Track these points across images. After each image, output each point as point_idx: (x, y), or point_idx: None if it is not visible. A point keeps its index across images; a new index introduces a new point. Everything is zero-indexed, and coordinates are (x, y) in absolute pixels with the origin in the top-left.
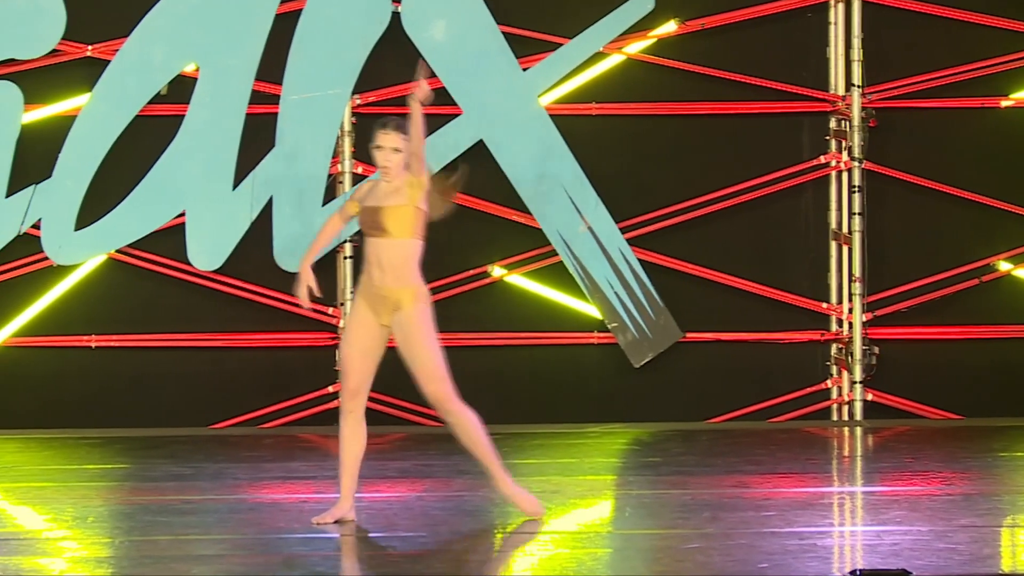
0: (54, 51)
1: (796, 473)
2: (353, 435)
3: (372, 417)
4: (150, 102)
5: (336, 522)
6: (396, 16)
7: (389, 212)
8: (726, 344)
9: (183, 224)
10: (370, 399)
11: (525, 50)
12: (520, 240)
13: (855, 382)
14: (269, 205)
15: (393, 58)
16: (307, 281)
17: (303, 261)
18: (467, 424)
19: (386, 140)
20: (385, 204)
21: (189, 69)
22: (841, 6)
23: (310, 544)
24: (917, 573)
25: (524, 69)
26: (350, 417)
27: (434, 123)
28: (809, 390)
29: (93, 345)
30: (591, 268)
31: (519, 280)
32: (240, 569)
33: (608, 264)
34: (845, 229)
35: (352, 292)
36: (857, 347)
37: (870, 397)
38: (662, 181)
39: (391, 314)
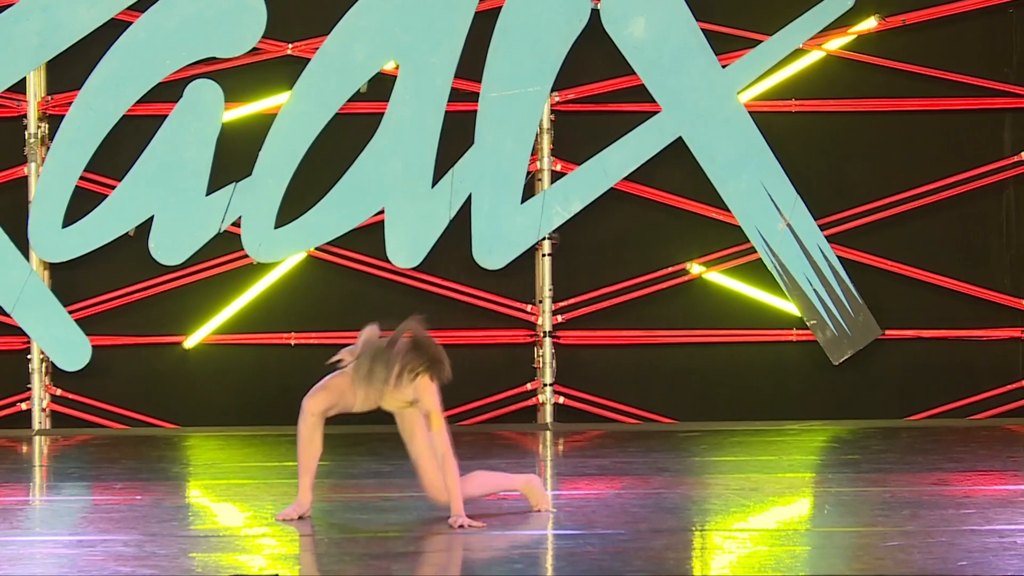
0: (255, 49)
1: (997, 471)
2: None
3: (571, 414)
4: (350, 100)
5: (300, 518)
6: (596, 13)
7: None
8: (926, 341)
9: (382, 222)
10: (568, 396)
11: (724, 47)
12: (719, 237)
13: None
14: (468, 203)
15: (593, 56)
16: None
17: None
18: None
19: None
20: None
21: (389, 67)
22: None
23: (509, 541)
24: None
25: (723, 66)
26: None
27: (633, 120)
28: (1010, 387)
29: (293, 343)
30: (790, 265)
31: (718, 277)
32: (440, 567)
33: (807, 261)
34: None
35: (551, 290)
36: None
37: None
38: (861, 178)
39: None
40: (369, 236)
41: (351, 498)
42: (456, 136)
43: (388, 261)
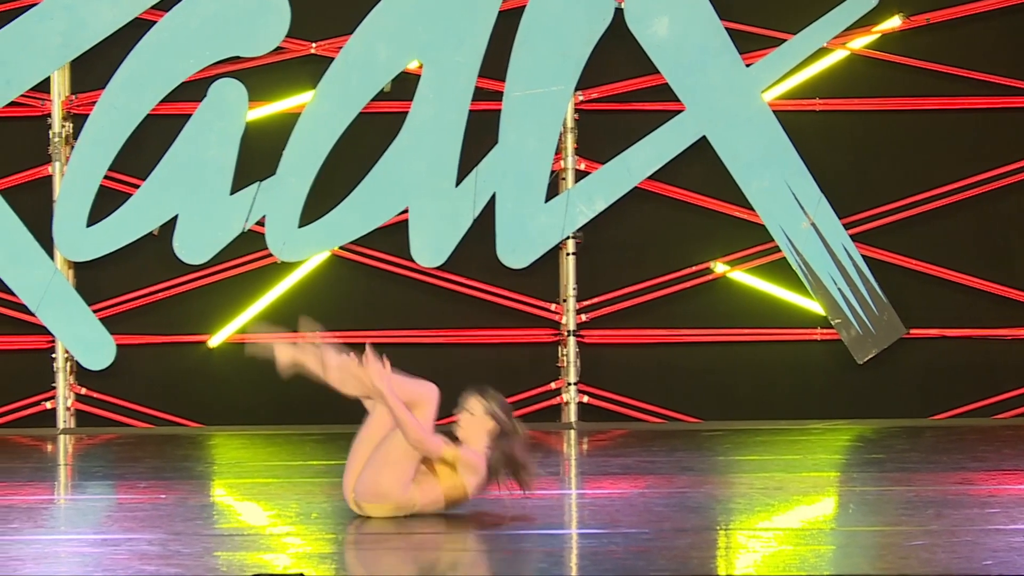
0: (278, 49)
1: (1021, 470)
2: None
3: (595, 413)
4: (374, 99)
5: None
6: (619, 12)
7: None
8: (951, 340)
9: (406, 221)
10: (592, 395)
11: (748, 46)
12: (743, 236)
13: None
14: (492, 202)
15: (616, 55)
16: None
17: (374, 375)
18: None
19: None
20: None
21: (413, 66)
22: None
23: (533, 540)
24: None
25: (747, 65)
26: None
27: (657, 119)
28: None
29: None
30: (814, 264)
31: (742, 276)
32: (462, 563)
33: (831, 260)
34: None
35: (575, 289)
36: None
37: None
38: (886, 177)
39: None
40: (393, 235)
41: None
42: (480, 135)
43: (412, 260)
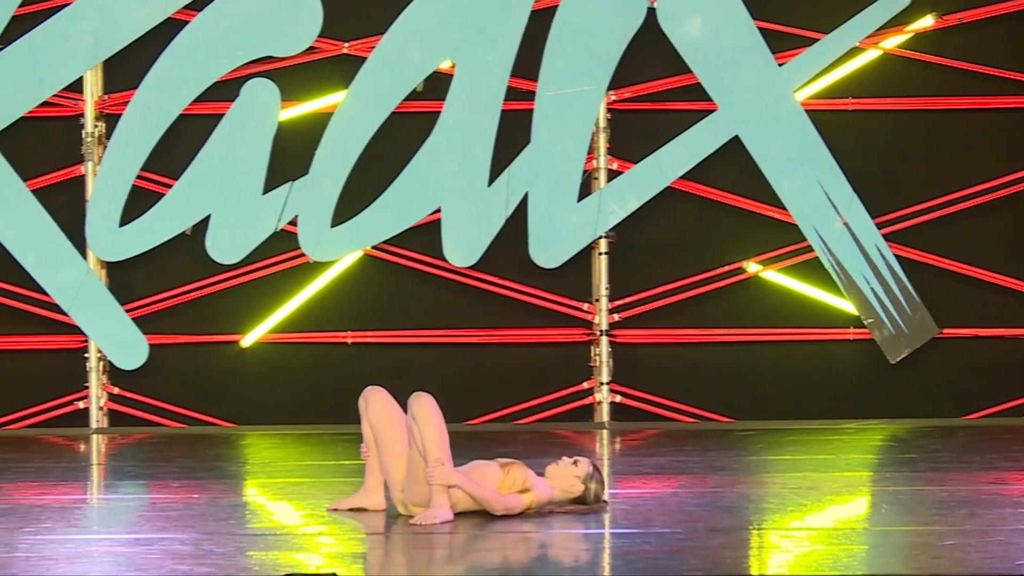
0: (311, 48)
1: None
2: None
3: (627, 413)
4: (406, 99)
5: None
6: (652, 12)
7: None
8: (983, 340)
9: (438, 220)
10: (624, 395)
11: (781, 45)
12: (775, 236)
13: None
14: (524, 201)
15: (649, 54)
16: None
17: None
18: None
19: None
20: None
21: (445, 66)
22: None
23: (566, 540)
24: None
25: (780, 64)
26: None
27: (690, 119)
28: None
29: (349, 341)
30: (847, 264)
31: (774, 276)
32: (495, 563)
33: (864, 260)
34: None
35: (607, 289)
36: None
37: None
38: (918, 176)
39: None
40: (425, 235)
41: None
42: (512, 135)
43: (444, 260)
